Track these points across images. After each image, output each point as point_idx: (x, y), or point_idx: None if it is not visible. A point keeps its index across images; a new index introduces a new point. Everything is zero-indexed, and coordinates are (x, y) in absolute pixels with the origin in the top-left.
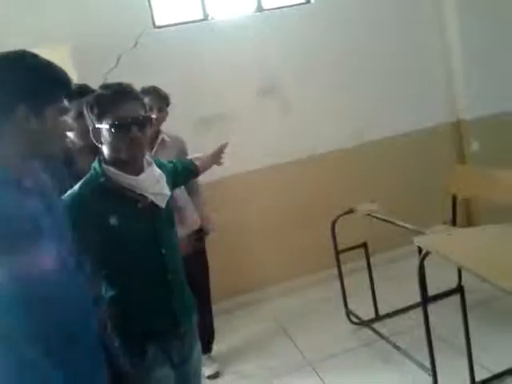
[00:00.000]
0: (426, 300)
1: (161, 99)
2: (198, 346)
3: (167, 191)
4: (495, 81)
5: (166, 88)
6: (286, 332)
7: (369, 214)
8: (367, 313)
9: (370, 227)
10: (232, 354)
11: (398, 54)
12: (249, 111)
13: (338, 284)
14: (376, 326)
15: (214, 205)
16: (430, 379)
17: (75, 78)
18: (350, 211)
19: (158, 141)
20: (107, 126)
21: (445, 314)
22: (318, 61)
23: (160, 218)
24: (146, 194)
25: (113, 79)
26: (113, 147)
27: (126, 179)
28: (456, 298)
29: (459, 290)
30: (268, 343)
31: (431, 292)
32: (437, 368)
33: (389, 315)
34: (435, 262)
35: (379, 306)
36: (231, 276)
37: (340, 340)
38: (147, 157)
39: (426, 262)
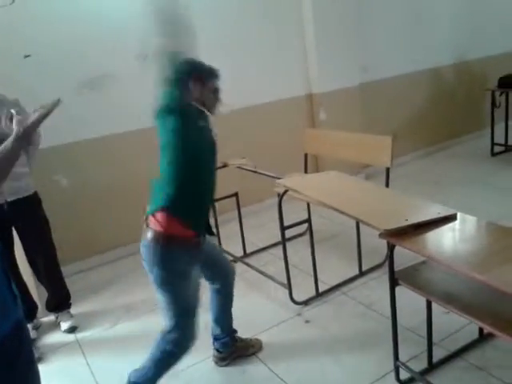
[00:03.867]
0: (283, 228)
1: None
2: None
3: None
4: (338, 62)
5: (47, 48)
6: None
7: (239, 167)
8: (238, 252)
9: (241, 181)
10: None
11: (264, 38)
12: (128, 74)
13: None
14: (245, 260)
15: (89, 163)
16: (287, 292)
17: None
18: (225, 165)
19: None
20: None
21: (298, 249)
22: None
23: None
24: None
25: None
26: (214, 95)
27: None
28: (305, 238)
29: (308, 220)
30: (132, 284)
31: (288, 233)
32: (292, 285)
33: (255, 252)
34: (290, 211)
35: (247, 246)
36: (90, 236)
37: None
38: None
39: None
